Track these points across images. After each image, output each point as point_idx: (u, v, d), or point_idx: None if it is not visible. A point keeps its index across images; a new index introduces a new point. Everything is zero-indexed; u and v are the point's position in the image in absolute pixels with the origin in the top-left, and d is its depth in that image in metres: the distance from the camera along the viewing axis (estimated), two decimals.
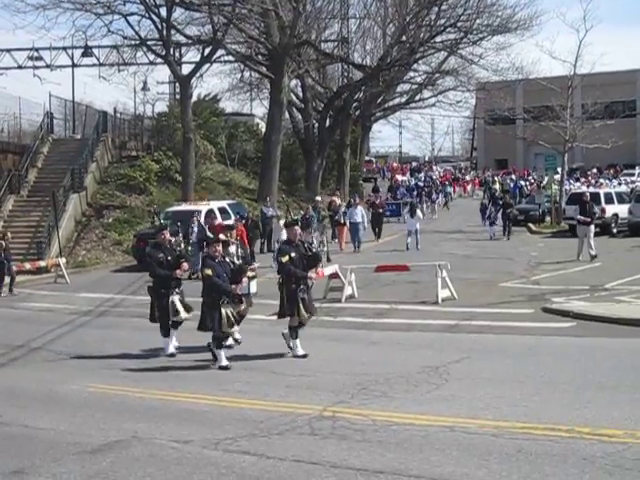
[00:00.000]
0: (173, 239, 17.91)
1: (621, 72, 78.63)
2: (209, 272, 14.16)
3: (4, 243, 28.21)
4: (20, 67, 50.56)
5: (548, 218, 45.20)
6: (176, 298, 15.56)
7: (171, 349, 15.55)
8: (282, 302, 14.87)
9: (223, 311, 14.06)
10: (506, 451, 8.71)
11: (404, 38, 57.04)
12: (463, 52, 58.32)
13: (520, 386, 11.65)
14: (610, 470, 8.01)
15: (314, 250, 16.63)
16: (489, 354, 14.42)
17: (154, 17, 43.21)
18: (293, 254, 14.80)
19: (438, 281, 20.42)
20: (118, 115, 52.88)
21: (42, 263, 32.54)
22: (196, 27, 48.60)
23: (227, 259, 14.87)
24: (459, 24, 55.17)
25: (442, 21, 56.04)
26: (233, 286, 14.37)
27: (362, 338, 16.36)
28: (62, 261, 31.17)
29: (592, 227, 28.91)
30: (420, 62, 62.37)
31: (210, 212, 33.23)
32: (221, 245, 14.85)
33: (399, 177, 75.34)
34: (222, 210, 34.87)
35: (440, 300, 20.14)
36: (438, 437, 9.35)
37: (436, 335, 16.22)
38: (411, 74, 64.71)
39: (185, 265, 15.84)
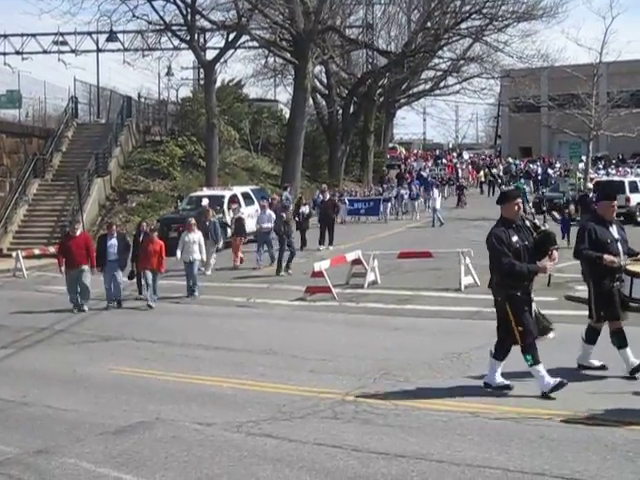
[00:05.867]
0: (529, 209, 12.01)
1: None
2: None
3: (211, 212, 27.27)
4: (45, 52, 50.75)
5: (572, 206, 44.83)
6: (535, 306, 10.75)
7: (499, 378, 10.80)
8: (590, 301, 11.37)
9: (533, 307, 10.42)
10: (528, 437, 8.70)
11: (429, 24, 56.99)
12: (488, 39, 58.14)
13: None
14: (632, 457, 7.99)
15: None
16: None
17: (179, 2, 43.33)
18: (617, 236, 11.09)
19: (461, 268, 20.35)
20: (142, 100, 53.12)
21: None
22: (221, 12, 48.70)
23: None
24: (484, 11, 55.09)
25: (467, 7, 55.94)
26: (548, 265, 10.48)
27: (385, 324, 16.34)
28: None
29: None
30: (445, 49, 62.37)
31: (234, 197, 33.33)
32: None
33: (414, 164, 74.87)
34: (245, 195, 34.94)
35: (463, 287, 20.06)
36: (460, 422, 9.35)
37: (459, 322, 16.17)
38: (436, 61, 64.66)
39: (555, 253, 10.65)
